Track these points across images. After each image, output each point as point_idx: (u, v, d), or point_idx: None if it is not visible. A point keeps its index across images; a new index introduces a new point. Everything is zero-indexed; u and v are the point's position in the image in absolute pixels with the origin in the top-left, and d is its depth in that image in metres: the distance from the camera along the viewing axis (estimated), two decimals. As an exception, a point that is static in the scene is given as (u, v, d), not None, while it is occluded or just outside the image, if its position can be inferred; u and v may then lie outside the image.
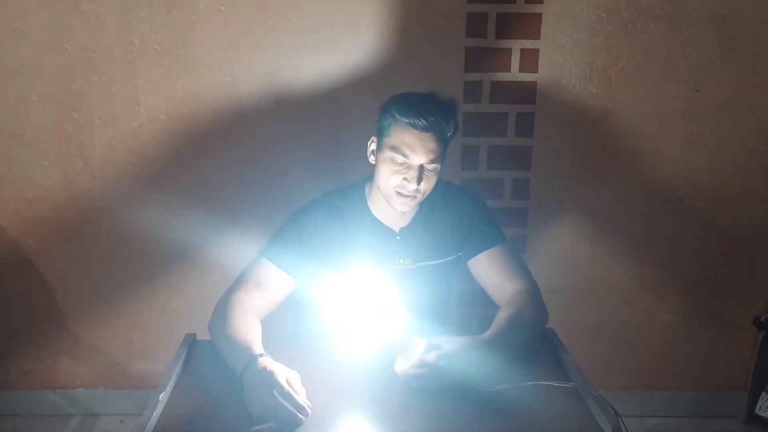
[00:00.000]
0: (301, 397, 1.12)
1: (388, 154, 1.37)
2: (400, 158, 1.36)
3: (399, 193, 1.38)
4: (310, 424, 1.10)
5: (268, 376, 1.12)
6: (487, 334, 1.29)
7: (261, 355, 1.19)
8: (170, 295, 2.13)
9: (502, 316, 1.36)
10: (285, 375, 1.14)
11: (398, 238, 1.48)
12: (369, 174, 1.48)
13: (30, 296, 2.14)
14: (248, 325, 1.31)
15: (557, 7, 1.92)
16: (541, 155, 2.05)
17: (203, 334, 1.39)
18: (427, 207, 1.50)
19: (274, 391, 1.10)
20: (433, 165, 1.37)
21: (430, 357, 1.20)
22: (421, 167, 1.36)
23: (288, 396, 1.10)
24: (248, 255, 1.46)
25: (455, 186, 1.58)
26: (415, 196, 1.38)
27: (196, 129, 1.99)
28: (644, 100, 2.00)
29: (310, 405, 1.12)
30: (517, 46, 1.95)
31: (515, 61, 1.96)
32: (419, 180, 1.36)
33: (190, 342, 1.37)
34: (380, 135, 1.41)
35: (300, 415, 1.09)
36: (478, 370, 1.19)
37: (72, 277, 2.11)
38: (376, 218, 1.47)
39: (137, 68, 1.94)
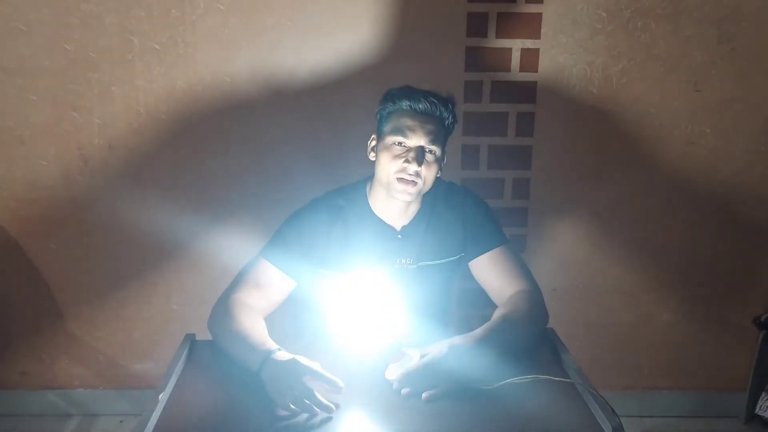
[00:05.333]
0: (324, 395, 1.14)
1: (388, 140, 1.39)
2: (399, 139, 1.37)
3: (400, 180, 1.37)
4: (310, 424, 1.10)
5: (289, 374, 1.15)
6: (478, 331, 1.29)
7: (278, 350, 1.21)
8: (170, 295, 2.13)
9: (496, 315, 1.37)
10: (305, 371, 1.16)
11: (399, 237, 1.47)
12: (370, 174, 1.48)
13: (29, 296, 2.13)
14: (255, 322, 1.33)
15: (557, 6, 1.92)
16: (541, 155, 2.04)
17: (203, 334, 1.38)
18: (429, 206, 1.49)
19: (295, 393, 1.13)
20: (433, 147, 1.38)
21: (418, 367, 1.20)
22: (421, 149, 1.37)
23: (311, 395, 1.13)
24: (248, 255, 1.46)
25: (457, 186, 1.57)
26: (416, 183, 1.38)
27: (196, 129, 1.98)
28: (644, 100, 2.00)
29: (333, 406, 1.13)
30: (517, 45, 1.95)
31: (515, 61, 1.96)
32: (420, 161, 1.36)
33: (190, 342, 1.37)
34: (380, 125, 1.44)
35: (325, 413, 1.12)
36: (470, 369, 1.19)
37: (71, 277, 2.11)
38: (377, 216, 1.47)
39: (137, 68, 1.93)
